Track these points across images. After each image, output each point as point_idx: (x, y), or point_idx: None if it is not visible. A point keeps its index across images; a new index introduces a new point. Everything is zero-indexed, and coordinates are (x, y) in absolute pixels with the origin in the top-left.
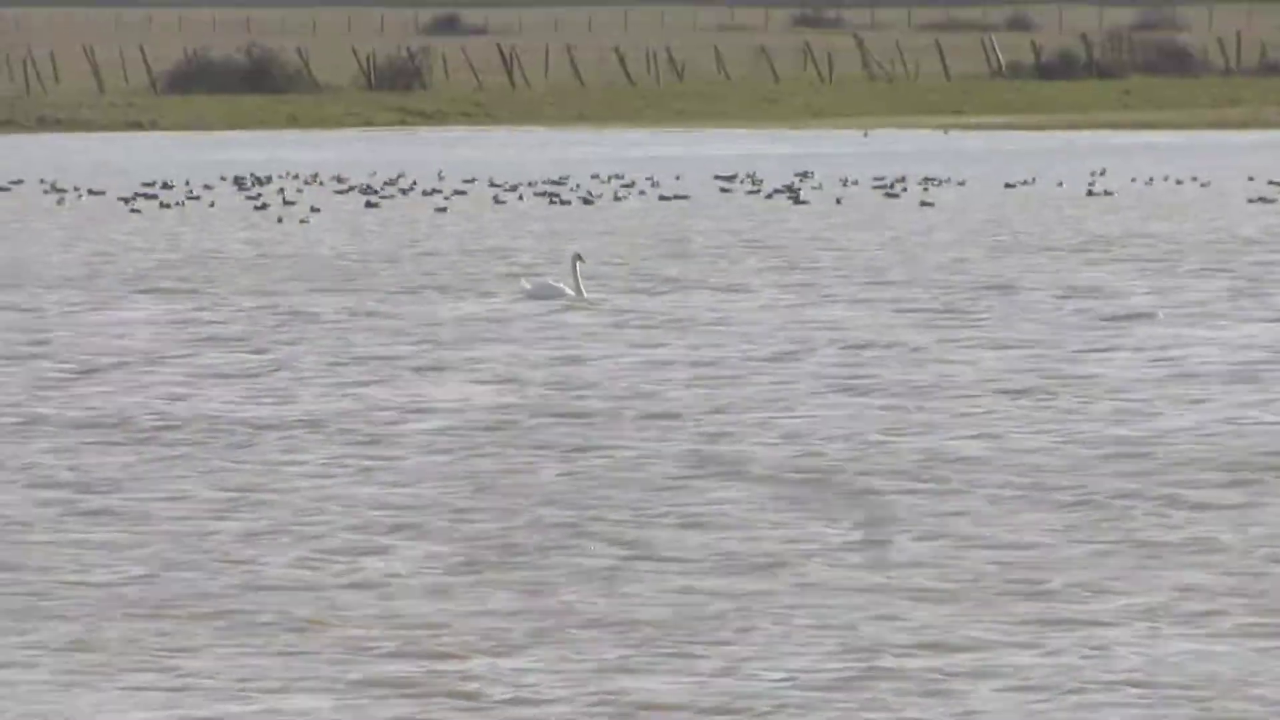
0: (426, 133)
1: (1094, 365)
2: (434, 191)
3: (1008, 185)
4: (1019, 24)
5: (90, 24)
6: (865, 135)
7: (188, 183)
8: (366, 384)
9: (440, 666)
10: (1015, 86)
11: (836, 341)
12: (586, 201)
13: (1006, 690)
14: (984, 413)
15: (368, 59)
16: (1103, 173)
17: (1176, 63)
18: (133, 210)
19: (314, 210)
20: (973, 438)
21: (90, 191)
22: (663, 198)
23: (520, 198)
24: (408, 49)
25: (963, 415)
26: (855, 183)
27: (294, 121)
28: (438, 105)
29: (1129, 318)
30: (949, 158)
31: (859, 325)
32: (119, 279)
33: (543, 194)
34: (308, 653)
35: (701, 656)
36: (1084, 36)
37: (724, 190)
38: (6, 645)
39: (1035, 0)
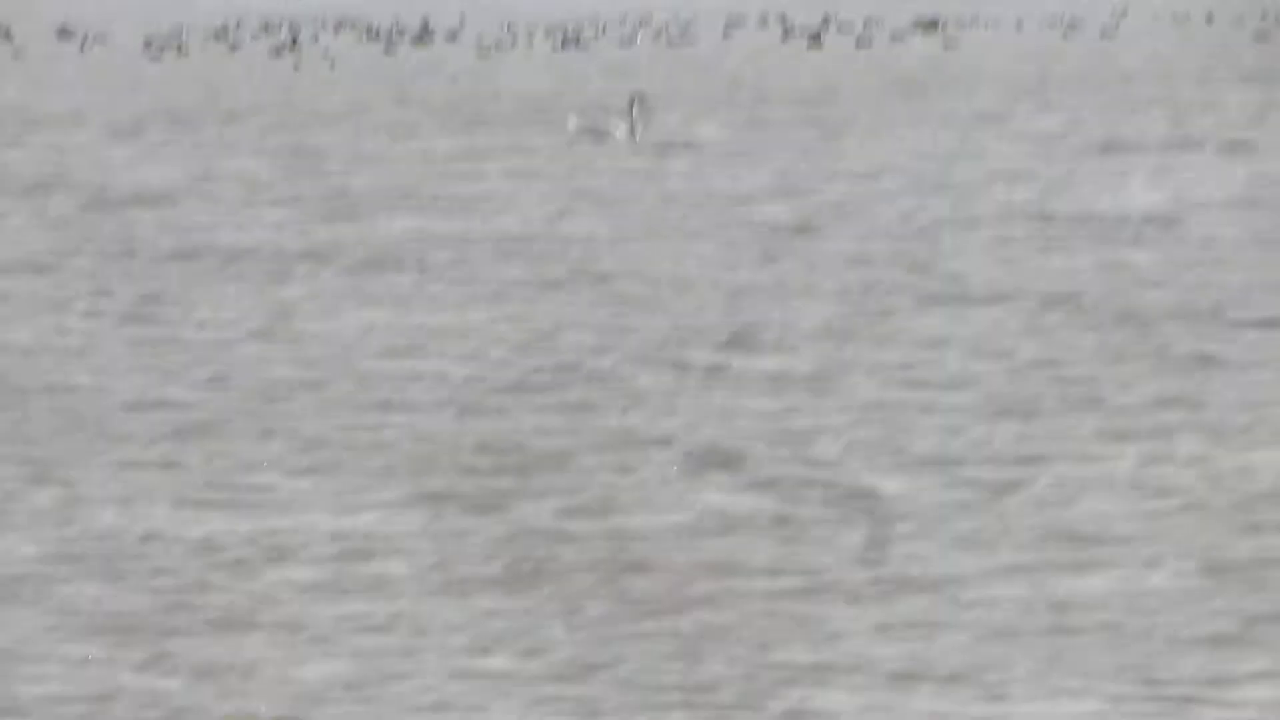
0: None
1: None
2: (457, 36)
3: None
4: None
5: None
6: None
7: (178, 32)
8: (430, 217)
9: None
10: None
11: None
12: (585, 39)
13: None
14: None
15: None
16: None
17: None
18: (152, 60)
19: (329, 58)
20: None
21: (96, 39)
22: (672, 42)
23: (531, 41)
24: None
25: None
26: (879, 23)
27: None
28: None
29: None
30: None
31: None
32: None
33: (572, 38)
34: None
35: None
36: None
37: (728, 30)
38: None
39: None
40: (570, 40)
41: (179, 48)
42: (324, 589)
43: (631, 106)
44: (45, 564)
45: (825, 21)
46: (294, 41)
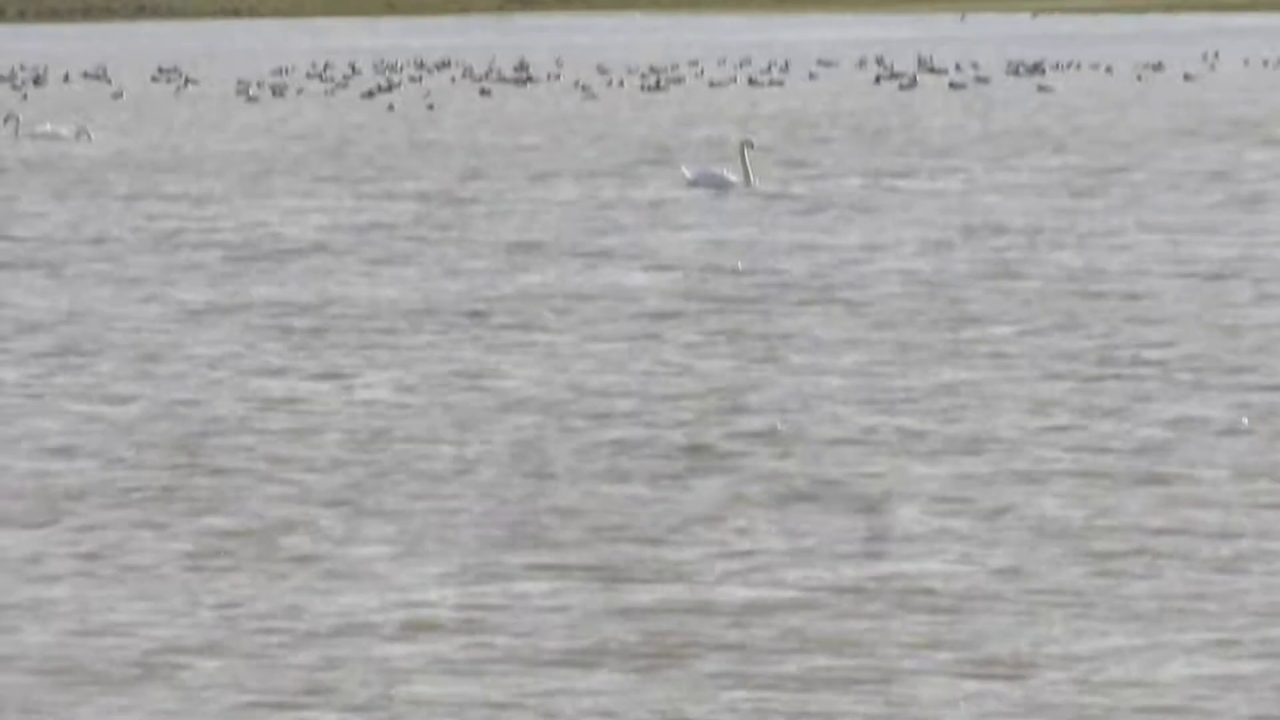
0: (524, 19)
1: None
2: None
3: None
4: None
5: None
6: (962, 19)
7: (313, 65)
8: (536, 269)
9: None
10: None
11: (1022, 227)
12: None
13: None
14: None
15: None
16: (1216, 54)
17: None
18: (249, 102)
19: (428, 100)
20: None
21: (190, 81)
22: (757, 83)
23: (635, 83)
24: None
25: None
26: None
27: (391, 9)
28: None
29: None
30: (1063, 41)
31: (1032, 209)
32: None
33: (676, 79)
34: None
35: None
36: None
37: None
38: None
39: None
40: (661, 82)
41: (274, 89)
42: (458, 665)
43: (743, 153)
44: (176, 641)
45: (921, 64)
46: (389, 84)
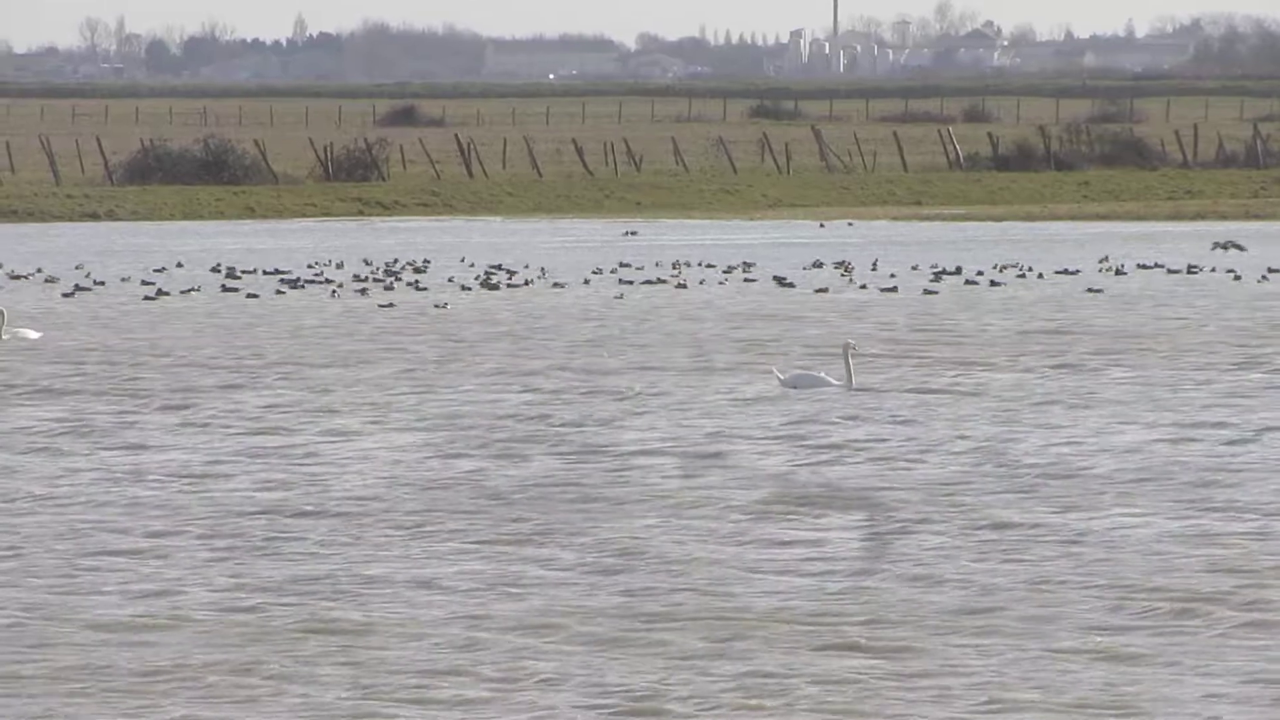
0: (382, 222)
1: None
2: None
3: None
4: (976, 116)
5: (47, 116)
6: (821, 225)
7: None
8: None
9: None
10: (973, 178)
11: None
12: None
13: None
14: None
15: (325, 150)
16: (1105, 259)
17: (1134, 155)
18: (148, 300)
19: (443, 296)
20: None
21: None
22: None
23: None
24: (365, 140)
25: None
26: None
27: (251, 212)
28: (395, 196)
29: None
30: (941, 246)
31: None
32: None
33: (628, 280)
34: None
35: None
36: (1041, 129)
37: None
38: None
39: (992, 93)
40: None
41: (170, 287)
42: None
43: (846, 355)
44: None
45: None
46: (296, 280)
